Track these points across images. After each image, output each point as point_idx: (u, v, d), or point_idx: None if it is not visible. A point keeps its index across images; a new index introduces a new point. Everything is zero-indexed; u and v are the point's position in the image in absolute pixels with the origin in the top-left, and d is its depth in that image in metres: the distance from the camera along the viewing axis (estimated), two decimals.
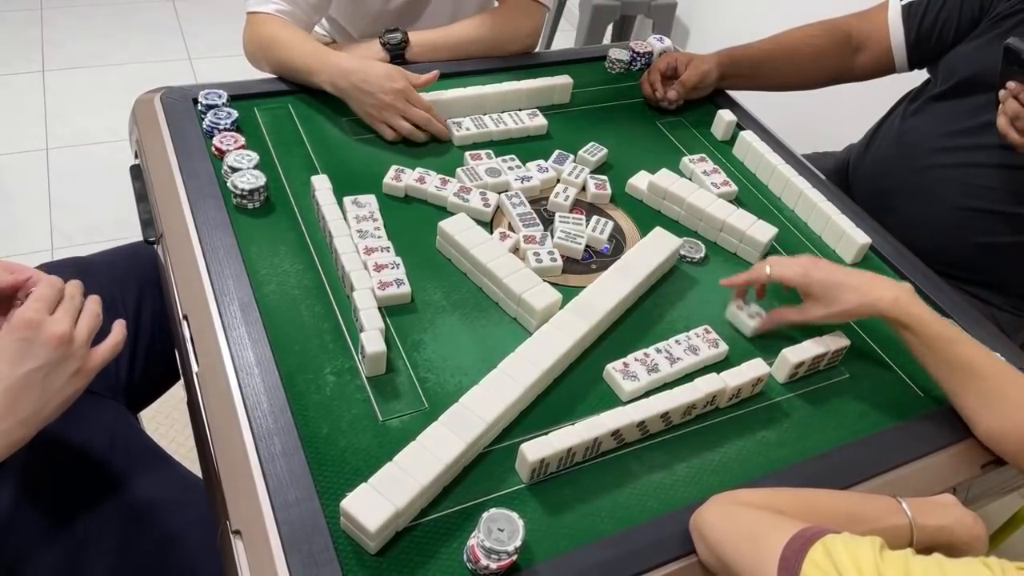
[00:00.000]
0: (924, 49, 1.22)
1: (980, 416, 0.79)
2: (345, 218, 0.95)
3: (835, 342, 0.87)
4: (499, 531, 0.64)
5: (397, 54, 1.26)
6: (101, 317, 0.73)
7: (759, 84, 1.31)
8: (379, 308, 0.84)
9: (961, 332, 0.81)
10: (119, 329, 0.74)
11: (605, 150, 1.15)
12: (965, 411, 0.81)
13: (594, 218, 1.03)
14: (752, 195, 1.14)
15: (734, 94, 1.35)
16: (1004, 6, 1.11)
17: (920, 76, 1.27)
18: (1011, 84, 0.95)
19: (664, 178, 1.07)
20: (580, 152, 1.14)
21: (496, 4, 1.38)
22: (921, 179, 1.18)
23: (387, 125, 1.09)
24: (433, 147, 1.13)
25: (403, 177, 1.03)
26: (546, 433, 0.74)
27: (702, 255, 1.02)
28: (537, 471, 0.73)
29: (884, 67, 1.27)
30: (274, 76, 1.20)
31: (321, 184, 0.98)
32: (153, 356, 1.00)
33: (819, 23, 1.29)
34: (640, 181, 1.10)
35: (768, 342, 0.90)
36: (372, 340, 0.79)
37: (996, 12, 1.12)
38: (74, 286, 0.73)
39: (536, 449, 0.71)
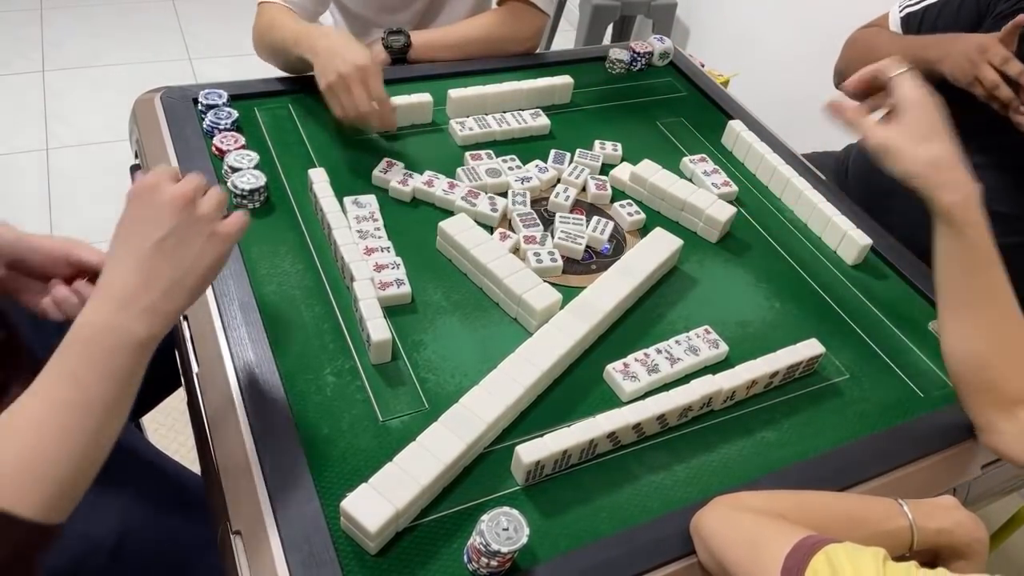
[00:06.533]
0: None
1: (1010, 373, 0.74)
2: (345, 218, 0.95)
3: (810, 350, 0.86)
4: (503, 530, 0.64)
5: (400, 57, 1.26)
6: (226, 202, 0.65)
7: None
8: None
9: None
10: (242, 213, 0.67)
11: (620, 145, 1.16)
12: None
13: (594, 218, 1.03)
14: (752, 195, 1.14)
15: (735, 96, 1.35)
16: (1004, 5, 1.11)
17: None
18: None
19: (646, 168, 1.09)
20: (594, 149, 1.15)
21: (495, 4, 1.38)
22: None
23: (339, 101, 1.04)
24: (433, 147, 1.13)
25: (400, 175, 1.03)
26: (543, 435, 0.73)
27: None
28: (532, 473, 0.72)
29: None
30: (274, 76, 1.20)
31: (318, 177, 0.98)
32: (154, 359, 1.00)
33: (863, 30, 1.28)
34: (622, 172, 1.12)
35: (768, 342, 0.90)
36: (377, 328, 0.80)
37: (998, 11, 1.12)
38: (196, 175, 0.65)
39: (531, 451, 0.71)
